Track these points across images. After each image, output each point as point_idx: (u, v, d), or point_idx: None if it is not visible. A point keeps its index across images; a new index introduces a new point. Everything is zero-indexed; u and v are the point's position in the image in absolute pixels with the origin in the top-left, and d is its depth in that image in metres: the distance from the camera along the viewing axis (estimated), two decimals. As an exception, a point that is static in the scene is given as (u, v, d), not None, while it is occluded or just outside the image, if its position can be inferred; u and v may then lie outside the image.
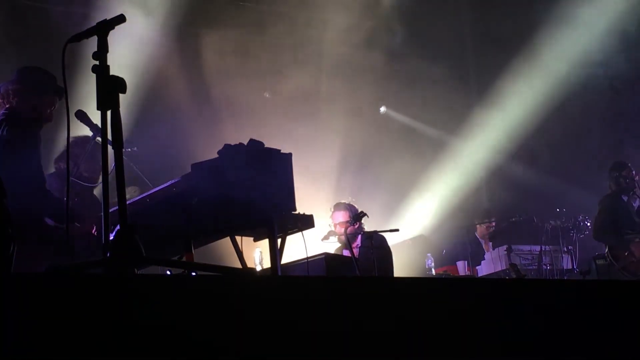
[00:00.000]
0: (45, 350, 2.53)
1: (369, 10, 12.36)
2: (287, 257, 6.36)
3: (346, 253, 8.95)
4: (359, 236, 9.30)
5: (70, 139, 7.37)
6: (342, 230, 9.10)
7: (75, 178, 6.76)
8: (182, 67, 11.75)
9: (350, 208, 9.47)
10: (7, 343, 2.47)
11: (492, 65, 12.92)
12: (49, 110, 6.15)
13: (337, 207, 9.63)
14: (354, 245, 9.17)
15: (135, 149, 7.09)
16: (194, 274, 5.28)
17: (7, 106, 6.03)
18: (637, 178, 10.22)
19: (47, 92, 6.12)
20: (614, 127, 12.79)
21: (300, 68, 11.78)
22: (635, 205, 10.18)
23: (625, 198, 10.16)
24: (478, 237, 11.60)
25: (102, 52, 3.84)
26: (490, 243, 11.54)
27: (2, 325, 2.48)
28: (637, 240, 9.76)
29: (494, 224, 11.60)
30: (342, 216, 9.40)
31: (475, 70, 13.87)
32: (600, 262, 10.24)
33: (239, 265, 5.83)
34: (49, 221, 5.99)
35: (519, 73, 12.66)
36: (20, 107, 6.01)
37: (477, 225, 11.65)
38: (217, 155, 5.62)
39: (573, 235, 10.72)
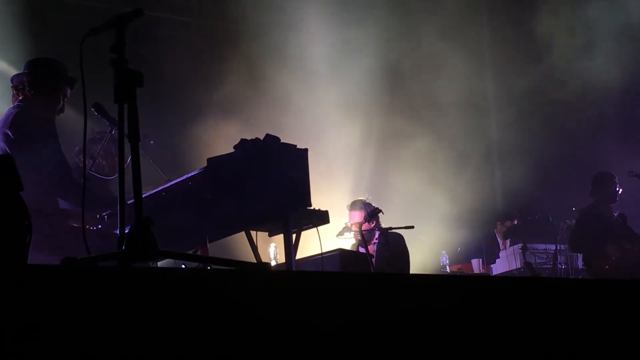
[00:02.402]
0: (58, 342, 2.54)
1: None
2: (301, 253, 6.37)
3: (362, 250, 8.95)
4: (376, 232, 9.28)
5: (88, 136, 7.43)
6: (358, 229, 9.08)
7: (90, 171, 6.78)
8: (200, 61, 11.79)
9: (365, 207, 9.44)
10: (20, 334, 2.48)
11: (510, 65, 12.91)
12: (62, 101, 6.17)
13: (353, 206, 9.59)
14: (371, 241, 9.16)
15: (151, 142, 7.10)
16: (208, 267, 5.29)
17: (20, 97, 6.05)
18: (620, 191, 10.11)
19: (59, 83, 6.13)
20: (630, 129, 12.78)
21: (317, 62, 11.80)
22: (615, 215, 10.07)
23: (604, 209, 10.05)
24: (497, 235, 11.59)
25: (120, 45, 3.85)
26: (508, 241, 11.52)
27: (16, 317, 2.49)
28: (614, 247, 9.68)
29: (515, 222, 11.61)
30: (358, 216, 9.36)
31: (493, 67, 13.83)
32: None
33: (253, 259, 5.84)
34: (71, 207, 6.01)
35: (536, 71, 12.64)
36: (34, 98, 6.03)
37: (498, 224, 11.65)
38: (233, 150, 5.63)
39: (588, 235, 10.68)
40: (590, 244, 9.80)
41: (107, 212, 5.91)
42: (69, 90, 6.20)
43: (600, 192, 10.07)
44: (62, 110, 6.22)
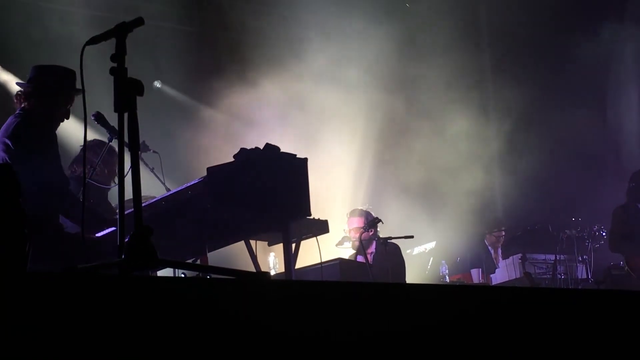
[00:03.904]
0: (56, 350, 2.54)
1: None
2: (301, 262, 6.37)
3: (360, 259, 8.96)
4: (374, 242, 9.32)
5: (89, 144, 7.45)
6: (357, 236, 9.10)
7: (90, 180, 6.78)
8: (200, 69, 11.82)
9: (366, 215, 9.49)
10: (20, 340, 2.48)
11: (511, 70, 12.93)
12: (66, 108, 6.13)
13: (353, 213, 9.66)
14: (368, 251, 9.18)
15: (151, 151, 7.11)
16: (208, 276, 5.29)
17: (22, 105, 6.03)
18: None
19: (63, 90, 6.10)
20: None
21: (320, 72, 11.80)
22: None
23: None
24: (487, 245, 11.57)
25: (120, 54, 3.85)
26: (500, 252, 11.51)
27: (16, 325, 2.49)
28: None
29: (503, 233, 11.58)
30: (357, 222, 9.41)
31: (493, 72, 13.84)
32: (616, 272, 10.18)
33: (253, 269, 5.85)
34: (67, 222, 5.99)
35: (537, 80, 12.67)
36: (36, 106, 6.00)
37: (487, 234, 11.63)
38: (233, 159, 5.64)
39: (588, 245, 10.67)
40: (630, 243, 9.75)
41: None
42: (73, 97, 6.16)
43: (633, 189, 10.01)
44: (66, 117, 6.17)
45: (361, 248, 8.75)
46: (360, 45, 12.18)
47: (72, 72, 6.13)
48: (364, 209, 9.77)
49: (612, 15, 12.35)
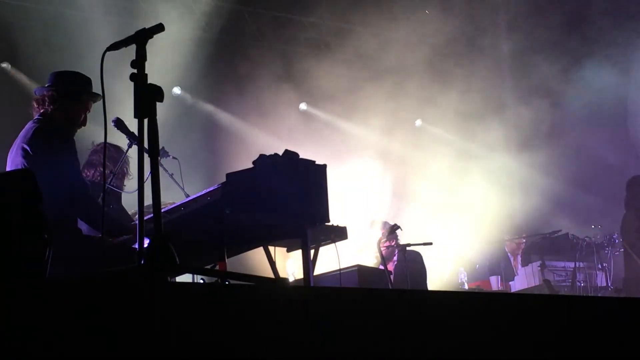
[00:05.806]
0: (75, 356, 2.54)
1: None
2: (320, 268, 6.36)
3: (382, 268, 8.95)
4: (396, 251, 9.28)
5: (93, 147, 7.49)
6: (377, 246, 9.07)
7: (110, 185, 6.80)
8: (219, 76, 11.84)
9: (384, 225, 9.46)
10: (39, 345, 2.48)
11: (531, 78, 12.90)
12: (83, 115, 6.14)
13: (372, 227, 9.63)
14: (391, 260, 9.17)
15: (170, 157, 7.11)
16: (227, 282, 5.29)
17: (41, 111, 6.04)
18: None
19: (81, 97, 6.10)
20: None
21: (338, 77, 11.79)
22: None
23: None
24: (507, 252, 11.54)
25: (140, 60, 3.86)
26: (520, 259, 11.48)
27: (35, 331, 2.50)
28: None
29: (524, 240, 11.54)
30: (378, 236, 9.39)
31: (512, 81, 13.82)
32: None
33: (271, 275, 5.84)
34: (83, 225, 5.99)
35: (558, 82, 12.65)
36: (54, 112, 6.01)
37: (507, 241, 11.60)
38: (252, 165, 5.63)
39: (608, 253, 10.64)
40: None
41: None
42: (91, 104, 6.18)
43: None
44: (83, 124, 6.19)
45: (381, 257, 8.73)
46: (386, 54, 12.18)
47: (89, 80, 6.16)
48: (382, 221, 9.73)
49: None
